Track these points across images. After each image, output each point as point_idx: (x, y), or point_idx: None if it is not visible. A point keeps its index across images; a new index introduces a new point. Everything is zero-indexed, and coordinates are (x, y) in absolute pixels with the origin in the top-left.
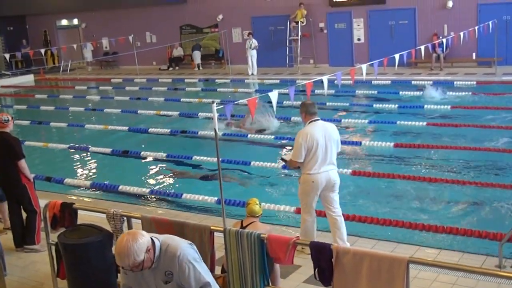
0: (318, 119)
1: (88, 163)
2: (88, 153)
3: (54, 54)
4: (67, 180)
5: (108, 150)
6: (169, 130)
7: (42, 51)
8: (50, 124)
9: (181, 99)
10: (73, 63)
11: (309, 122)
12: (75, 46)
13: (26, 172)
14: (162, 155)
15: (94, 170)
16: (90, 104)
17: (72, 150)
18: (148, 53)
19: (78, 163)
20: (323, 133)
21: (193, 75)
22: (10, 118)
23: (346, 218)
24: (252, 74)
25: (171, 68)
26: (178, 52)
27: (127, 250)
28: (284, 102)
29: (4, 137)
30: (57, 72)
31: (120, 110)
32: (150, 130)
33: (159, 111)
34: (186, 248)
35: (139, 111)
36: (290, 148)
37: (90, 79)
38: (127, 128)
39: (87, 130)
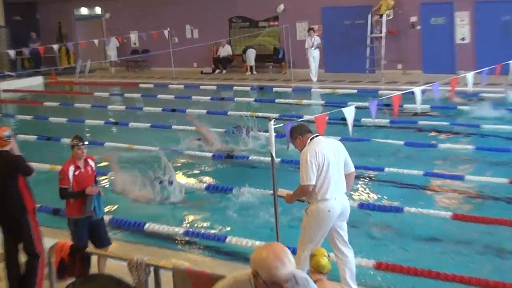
0: (318, 135)
1: (106, 193)
2: (107, 179)
3: (69, 51)
4: None
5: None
6: (210, 153)
7: (55, 47)
8: (61, 140)
9: (228, 112)
10: (93, 63)
11: (310, 140)
12: (96, 41)
13: (28, 197)
14: (200, 185)
15: (114, 203)
16: (111, 116)
17: None
18: (188, 52)
19: None
20: (332, 149)
21: (244, 81)
22: (12, 134)
23: (444, 278)
24: (314, 80)
25: (217, 72)
26: (226, 51)
27: None
28: (362, 119)
29: (3, 155)
30: (72, 74)
31: (149, 124)
32: (187, 152)
33: (199, 127)
34: None
35: (173, 127)
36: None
37: (114, 84)
38: (157, 148)
39: (107, 150)
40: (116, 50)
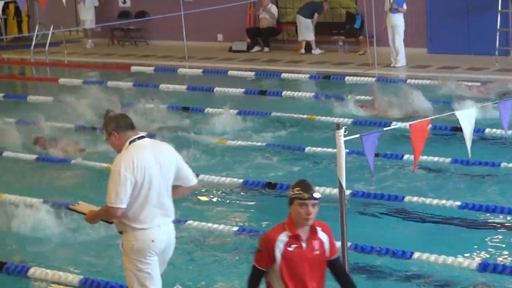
0: (143, 136)
1: (74, 234)
2: (74, 214)
3: (21, 12)
4: (34, 271)
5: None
6: (240, 179)
7: None
8: (4, 154)
9: (272, 113)
10: (58, 32)
11: (130, 143)
12: None
13: None
14: (232, 228)
15: (88, 254)
16: (86, 116)
17: (46, 206)
18: (209, 17)
19: (58, 235)
20: (159, 159)
21: (299, 64)
22: None
23: None
24: (394, 65)
25: (254, 49)
26: (268, 17)
27: None
28: (487, 130)
29: None
30: (25, 49)
31: (145, 132)
32: (206, 177)
33: (223, 140)
34: None
35: (182, 133)
36: None
37: (90, 65)
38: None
39: (78, 169)
40: (94, 12)
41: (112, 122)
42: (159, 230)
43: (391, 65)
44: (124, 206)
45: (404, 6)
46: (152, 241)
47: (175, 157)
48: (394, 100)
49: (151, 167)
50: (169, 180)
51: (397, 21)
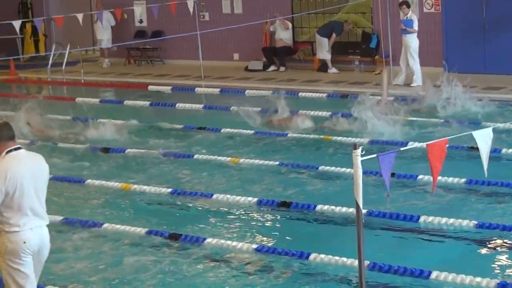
0: (19, 148)
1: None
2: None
3: (38, 31)
4: None
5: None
6: (255, 198)
7: (16, 24)
8: None
9: (289, 134)
10: (75, 52)
11: (6, 153)
12: (79, 17)
13: None
14: (251, 246)
15: None
16: (103, 137)
17: (64, 228)
18: (225, 36)
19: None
20: (33, 171)
21: (315, 83)
22: None
23: None
24: (409, 84)
25: (270, 68)
26: (285, 35)
27: None
28: (504, 150)
29: None
30: (41, 68)
31: (162, 155)
32: (220, 197)
33: (236, 158)
34: None
35: (197, 156)
36: None
37: (106, 85)
38: (169, 190)
39: (92, 192)
40: (111, 31)
41: None
42: (31, 233)
43: (394, 84)
44: None
45: (415, 27)
46: (24, 242)
47: (46, 167)
48: None
49: (24, 177)
50: (41, 188)
51: (410, 42)
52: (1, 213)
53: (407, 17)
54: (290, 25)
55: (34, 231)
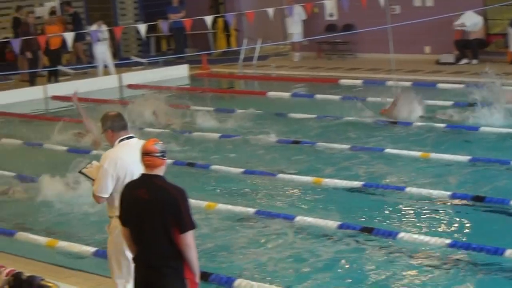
0: (131, 137)
1: None
2: None
3: (229, 26)
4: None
5: None
6: (447, 192)
7: (208, 20)
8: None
9: (480, 129)
10: (265, 46)
11: (119, 141)
12: (270, 11)
13: (193, 261)
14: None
15: None
16: (297, 131)
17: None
18: (416, 30)
19: None
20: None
21: (509, 76)
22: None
23: None
24: None
25: (463, 61)
26: (473, 27)
27: None
28: None
29: (158, 184)
30: (232, 63)
31: (352, 149)
32: (412, 190)
33: (426, 153)
34: None
35: (388, 150)
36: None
37: (297, 79)
38: (361, 184)
39: (284, 185)
40: (302, 25)
41: (108, 120)
42: None
43: None
44: (105, 195)
45: None
46: None
47: None
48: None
49: (133, 164)
50: None
51: None
52: (114, 198)
53: None
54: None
55: None
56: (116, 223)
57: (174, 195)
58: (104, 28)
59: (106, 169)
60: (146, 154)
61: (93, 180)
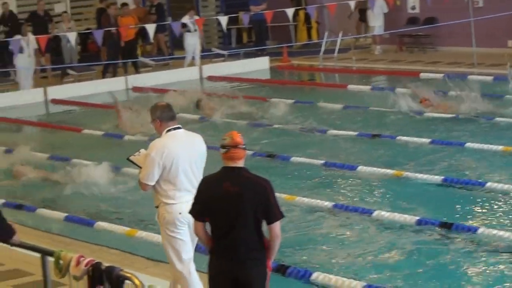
0: (179, 127)
1: None
2: None
3: (311, 19)
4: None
5: None
6: None
7: (289, 12)
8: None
9: None
10: (346, 39)
11: (167, 131)
12: (352, 4)
13: (276, 250)
14: None
15: None
16: (373, 125)
17: None
18: (498, 23)
19: None
20: (188, 149)
21: None
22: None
23: None
24: None
25: None
26: None
27: None
28: None
29: (246, 176)
30: (313, 56)
31: (432, 143)
32: (493, 185)
33: (509, 147)
34: None
35: (468, 145)
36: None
37: (378, 72)
38: (441, 178)
39: (364, 179)
40: (383, 18)
41: (157, 110)
42: (186, 205)
43: None
44: (151, 183)
45: None
46: (180, 213)
47: (202, 147)
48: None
49: (179, 154)
50: (195, 166)
51: None
52: (160, 186)
53: None
54: None
55: (188, 205)
56: (162, 211)
57: (263, 186)
58: (196, 18)
59: (153, 157)
60: (233, 146)
61: (140, 167)
